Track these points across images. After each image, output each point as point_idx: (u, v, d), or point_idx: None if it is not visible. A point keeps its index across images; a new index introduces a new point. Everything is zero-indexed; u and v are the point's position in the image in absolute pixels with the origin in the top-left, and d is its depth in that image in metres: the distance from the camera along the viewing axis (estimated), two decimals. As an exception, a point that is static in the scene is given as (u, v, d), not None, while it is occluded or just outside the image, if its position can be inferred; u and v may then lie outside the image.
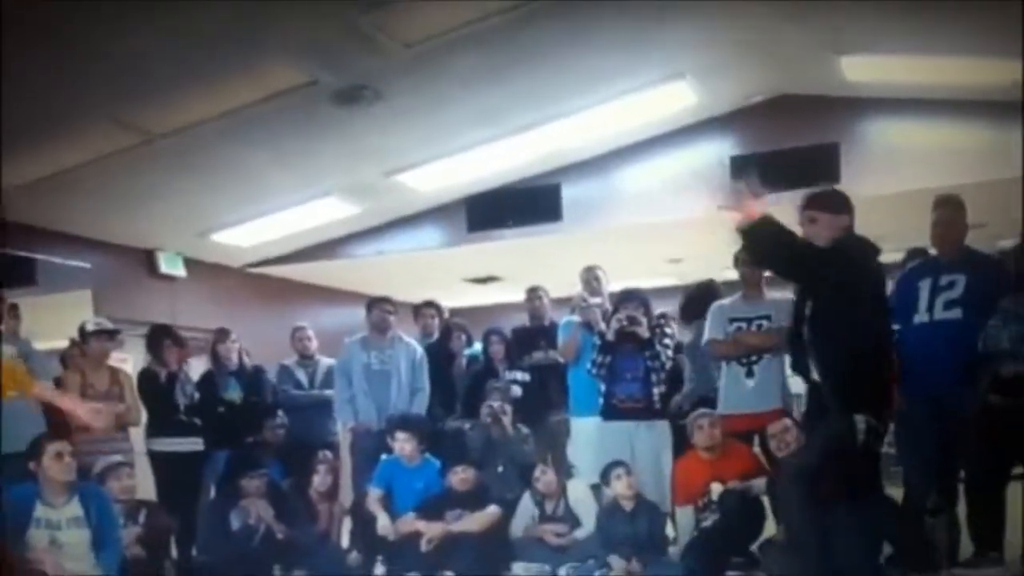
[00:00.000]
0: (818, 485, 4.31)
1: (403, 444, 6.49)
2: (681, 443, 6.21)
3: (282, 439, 7.17)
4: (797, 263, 4.37)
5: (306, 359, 7.78)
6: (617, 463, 5.94)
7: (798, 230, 4.45)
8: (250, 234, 9.59)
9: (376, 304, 7.41)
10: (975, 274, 5.19)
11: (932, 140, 8.04)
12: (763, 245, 4.38)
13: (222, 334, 7.52)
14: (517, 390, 7.21)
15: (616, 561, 5.57)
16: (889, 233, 9.04)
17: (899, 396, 4.80)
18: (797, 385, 5.87)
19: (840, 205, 4.53)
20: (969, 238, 5.47)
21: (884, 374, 4.40)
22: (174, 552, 6.40)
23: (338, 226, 9.90)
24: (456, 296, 11.93)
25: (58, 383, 6.47)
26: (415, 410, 7.05)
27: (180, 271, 9.63)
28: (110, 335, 6.63)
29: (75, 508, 5.21)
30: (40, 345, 6.42)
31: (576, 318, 6.95)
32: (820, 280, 4.36)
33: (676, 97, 8.30)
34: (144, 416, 6.78)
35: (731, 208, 4.36)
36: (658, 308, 6.72)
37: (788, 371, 5.82)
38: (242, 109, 6.82)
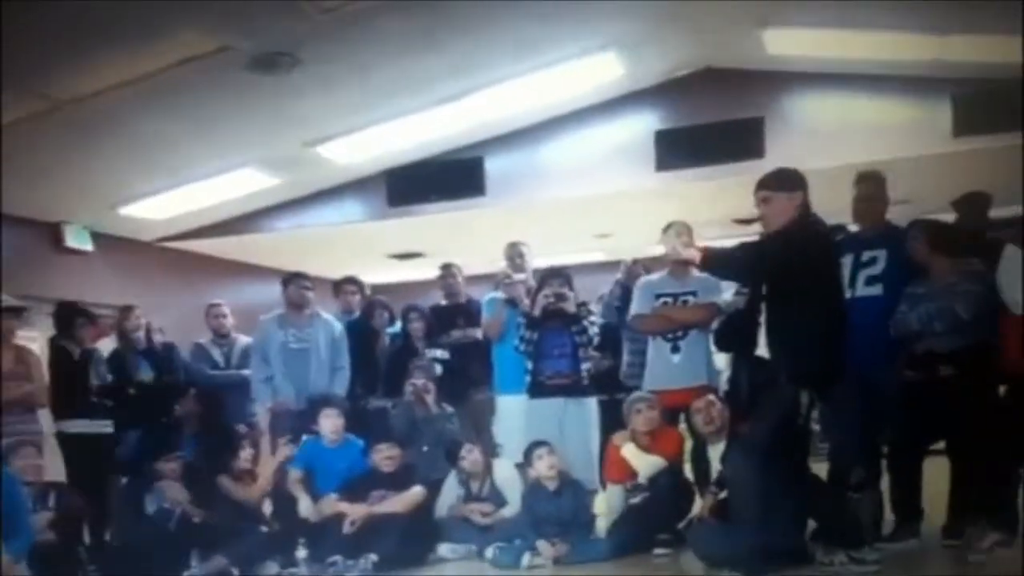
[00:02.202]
0: (766, 458, 4.33)
1: (334, 420, 6.38)
2: (609, 420, 6.19)
3: (197, 417, 6.96)
4: (752, 271, 4.56)
5: (222, 337, 7.59)
6: (539, 443, 5.89)
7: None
8: (163, 206, 9.29)
9: (292, 280, 7.21)
10: (896, 250, 5.24)
11: (856, 115, 8.10)
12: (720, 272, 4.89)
13: (126, 311, 7.27)
14: (437, 368, 7.10)
15: (543, 546, 5.52)
16: (814, 209, 9.18)
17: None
18: (721, 361, 5.92)
19: (793, 183, 4.57)
20: (894, 214, 5.51)
21: (836, 351, 4.44)
22: (87, 537, 6.20)
23: (255, 199, 9.65)
24: (378, 272, 11.76)
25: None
26: (335, 389, 6.90)
27: (88, 245, 9.29)
28: (15, 312, 6.39)
29: (-19, 495, 5.02)
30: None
31: (500, 295, 6.88)
32: (777, 270, 4.41)
33: (601, 69, 8.23)
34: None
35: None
36: (584, 284, 6.68)
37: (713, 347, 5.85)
38: (152, 75, 6.55)
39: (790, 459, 4.52)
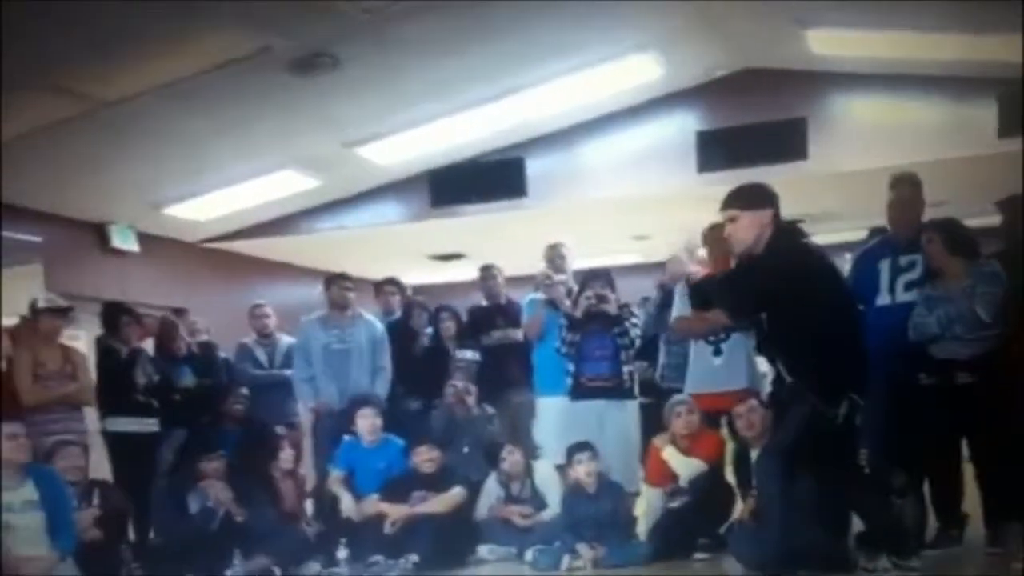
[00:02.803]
0: (797, 463, 4.27)
1: (373, 420, 6.41)
2: (650, 422, 6.17)
3: (242, 414, 7.01)
4: (739, 301, 4.48)
5: (265, 337, 7.65)
6: (582, 446, 5.85)
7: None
8: (206, 207, 9.38)
9: (334, 281, 7.26)
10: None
11: (899, 116, 8.03)
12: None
13: (168, 328, 7.34)
14: (469, 369, 7.12)
15: (583, 549, 5.52)
16: (854, 210, 9.11)
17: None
18: (765, 364, 5.86)
19: (761, 200, 4.41)
20: (931, 216, 5.44)
21: (859, 354, 4.34)
22: (132, 535, 6.26)
23: (297, 200, 9.71)
24: (420, 273, 11.80)
25: (8, 362, 6.30)
26: (377, 389, 6.93)
27: (133, 245, 9.35)
28: (62, 312, 6.45)
29: (29, 491, 5.15)
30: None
31: (540, 296, 6.87)
32: (766, 299, 4.30)
33: (641, 70, 8.22)
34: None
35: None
36: (620, 286, 6.65)
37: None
38: (195, 76, 6.62)
39: (824, 465, 4.43)
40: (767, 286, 4.24)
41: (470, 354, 7.11)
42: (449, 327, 7.32)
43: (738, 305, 4.56)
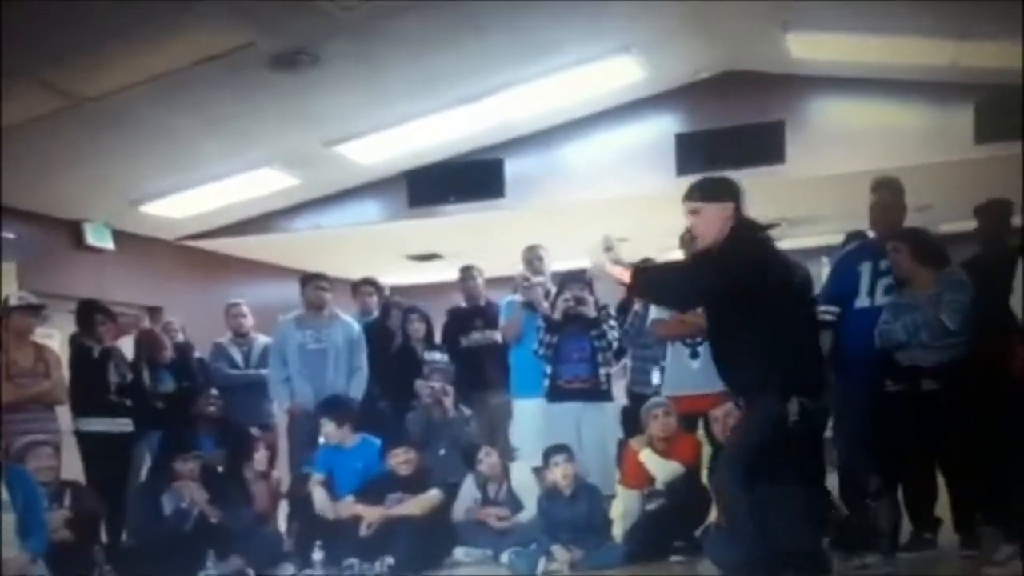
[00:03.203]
0: (753, 468, 4.24)
1: (332, 428, 6.39)
2: (628, 425, 6.17)
3: (216, 414, 6.96)
4: (688, 294, 4.40)
5: (241, 337, 7.60)
6: (558, 449, 5.86)
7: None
8: (183, 205, 9.29)
9: (310, 280, 7.22)
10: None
11: (878, 120, 8.07)
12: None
13: (155, 338, 7.30)
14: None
15: (559, 551, 5.53)
16: (832, 214, 9.15)
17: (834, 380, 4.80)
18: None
19: (722, 193, 4.24)
20: (916, 220, 5.47)
21: (813, 357, 4.26)
22: (104, 536, 6.20)
23: (275, 198, 9.65)
24: (397, 273, 11.76)
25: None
26: (353, 390, 6.90)
27: (108, 243, 9.27)
28: (34, 310, 6.40)
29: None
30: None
31: (518, 298, 6.87)
32: (718, 293, 4.18)
33: (622, 71, 8.21)
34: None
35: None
36: (599, 288, 6.64)
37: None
38: (174, 73, 6.56)
39: (787, 466, 4.40)
40: (723, 281, 4.10)
41: (439, 355, 7.07)
42: (418, 329, 7.29)
43: (683, 297, 4.49)
